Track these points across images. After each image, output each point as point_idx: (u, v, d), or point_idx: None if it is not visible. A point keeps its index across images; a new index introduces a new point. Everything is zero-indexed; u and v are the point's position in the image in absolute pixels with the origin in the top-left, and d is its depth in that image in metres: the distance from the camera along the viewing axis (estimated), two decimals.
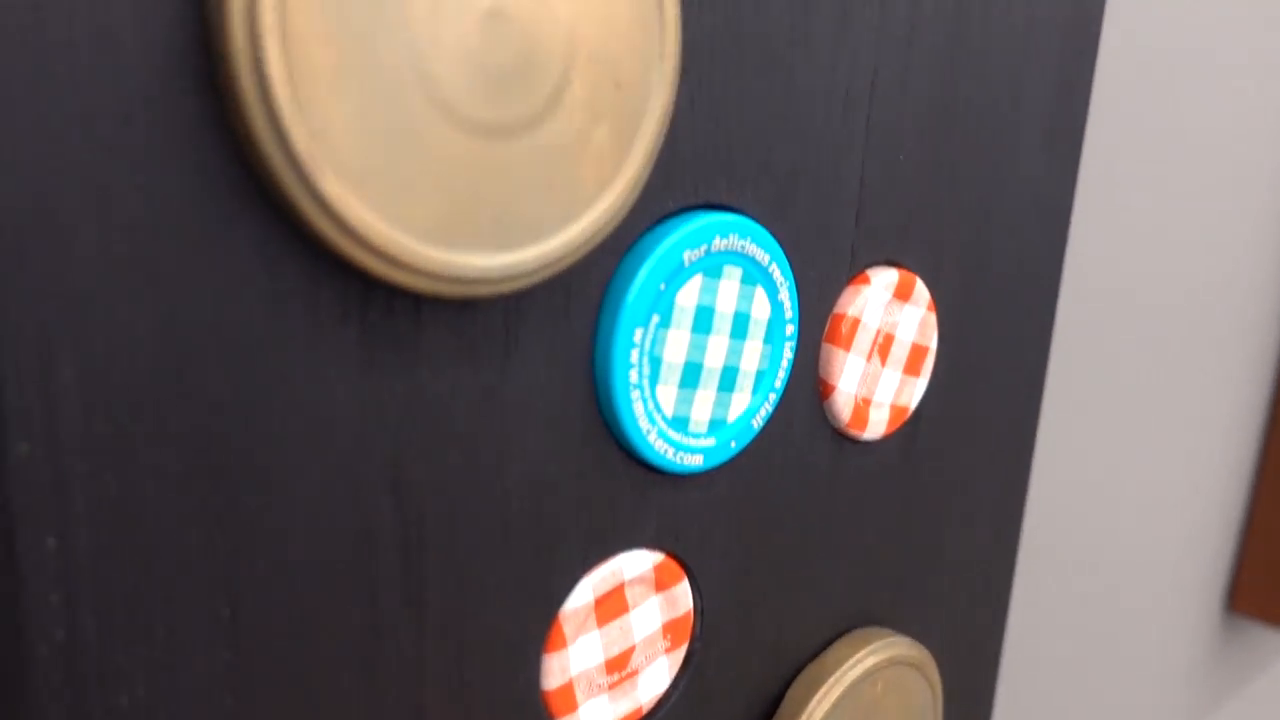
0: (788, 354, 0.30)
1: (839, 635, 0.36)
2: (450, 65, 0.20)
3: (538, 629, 0.27)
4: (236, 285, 0.20)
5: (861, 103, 0.30)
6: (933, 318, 0.35)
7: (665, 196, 0.27)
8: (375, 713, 0.24)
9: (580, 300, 0.26)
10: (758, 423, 0.30)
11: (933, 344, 0.35)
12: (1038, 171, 0.37)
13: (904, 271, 0.34)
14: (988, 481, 0.40)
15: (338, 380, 0.22)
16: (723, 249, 0.28)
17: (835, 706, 0.34)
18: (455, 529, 0.25)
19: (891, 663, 0.36)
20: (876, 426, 0.34)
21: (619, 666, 0.29)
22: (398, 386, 0.23)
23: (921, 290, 0.34)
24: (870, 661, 0.35)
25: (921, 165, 0.33)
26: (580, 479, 0.27)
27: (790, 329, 0.30)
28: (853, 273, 0.32)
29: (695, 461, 0.29)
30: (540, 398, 0.25)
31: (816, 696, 0.34)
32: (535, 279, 0.23)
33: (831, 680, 0.34)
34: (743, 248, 0.28)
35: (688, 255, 0.27)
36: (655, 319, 0.27)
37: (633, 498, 0.28)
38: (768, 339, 0.30)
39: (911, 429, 0.36)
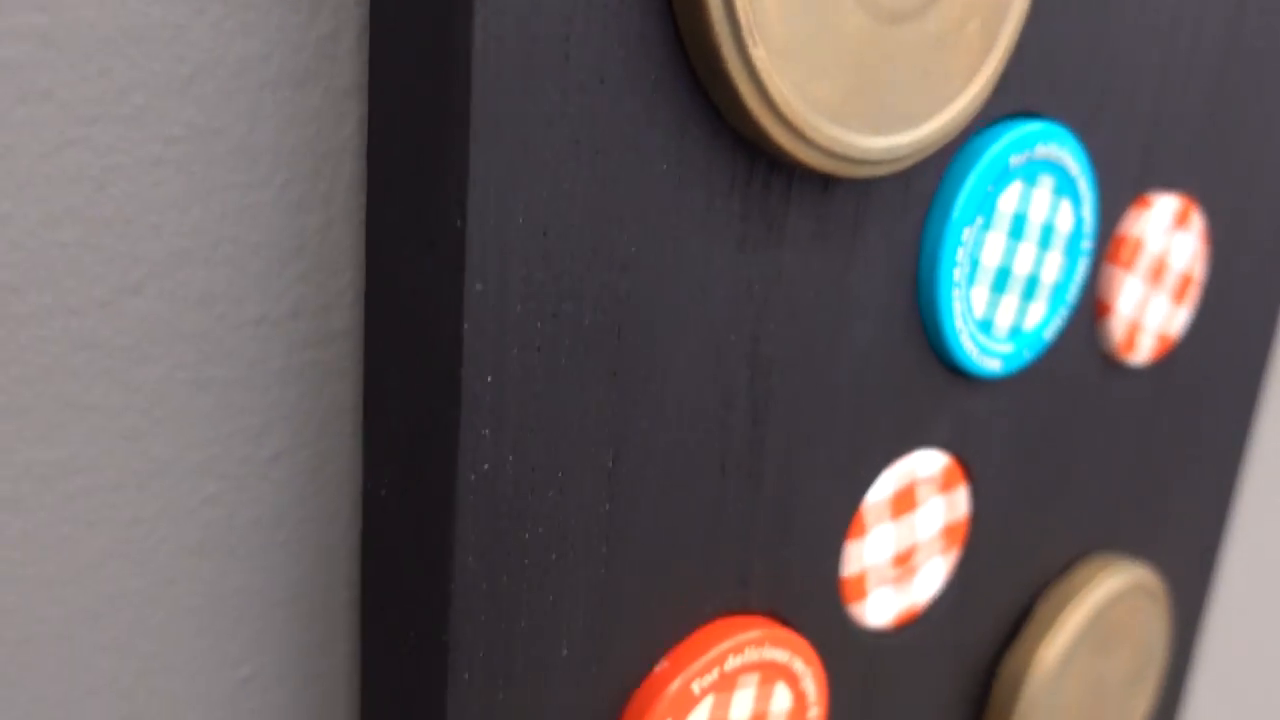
0: (1082, 269, 0.31)
1: (1083, 555, 0.36)
2: None
3: (845, 516, 0.28)
4: (655, 157, 0.21)
5: (1166, 39, 0.31)
6: (1203, 248, 0.35)
7: (995, 102, 0.27)
8: (711, 570, 0.26)
9: (916, 195, 0.26)
10: (1050, 334, 0.31)
11: (1199, 274, 0.35)
12: None
13: (1184, 198, 0.34)
14: (1225, 416, 0.40)
15: (718, 254, 0.23)
16: (1043, 157, 0.28)
17: (1082, 625, 0.35)
18: (795, 410, 0.26)
19: (1134, 590, 0.36)
20: (1142, 352, 0.34)
21: (903, 562, 0.30)
22: (764, 263, 0.24)
23: (1197, 219, 0.34)
24: (1116, 585, 0.36)
25: (1210, 99, 0.33)
26: (897, 373, 0.28)
27: (1087, 244, 0.31)
28: (1136, 194, 0.33)
29: (994, 366, 0.29)
30: (875, 286, 0.26)
31: (1065, 612, 0.35)
32: (903, 165, 0.24)
33: (1079, 599, 0.35)
34: (1060, 158, 0.29)
35: (1014, 160, 0.27)
36: (979, 220, 0.27)
37: (934, 398, 0.29)
38: (1067, 251, 0.30)
39: (1170, 358, 0.36)
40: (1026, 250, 0.29)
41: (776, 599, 0.27)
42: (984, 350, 0.29)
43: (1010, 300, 0.29)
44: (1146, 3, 0.29)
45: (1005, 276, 0.29)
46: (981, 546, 0.33)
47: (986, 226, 0.28)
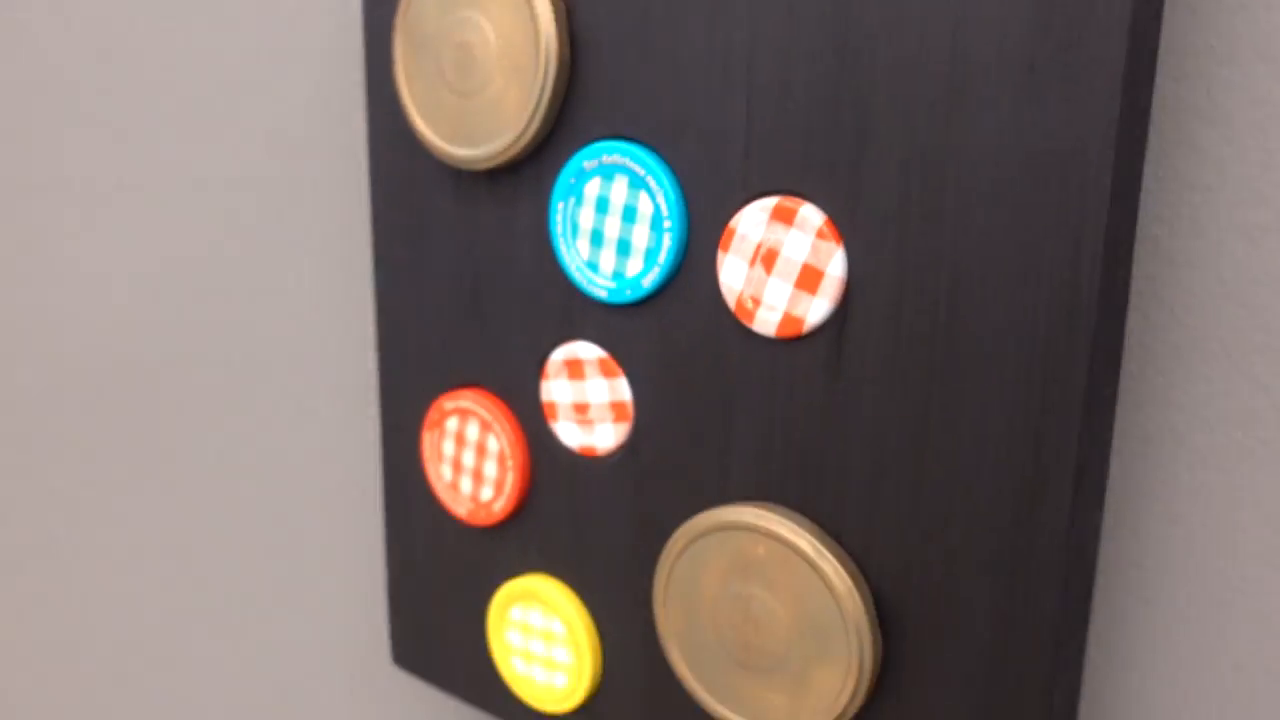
0: (668, 241, 0.44)
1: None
2: (448, 63, 0.49)
3: (537, 364, 0.51)
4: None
5: (739, 67, 0.42)
6: (827, 245, 0.40)
7: (590, 130, 0.46)
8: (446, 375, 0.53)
9: (544, 186, 0.48)
10: (648, 283, 0.45)
11: (832, 269, 0.40)
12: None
13: (788, 198, 0.41)
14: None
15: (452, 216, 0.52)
16: (611, 163, 0.45)
17: (712, 546, 0.45)
18: (506, 303, 0.51)
19: (779, 538, 0.43)
20: (764, 325, 0.42)
21: (581, 411, 0.49)
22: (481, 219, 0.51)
23: (811, 217, 0.41)
24: (758, 522, 0.44)
25: (815, 110, 0.40)
26: (547, 285, 0.49)
27: (668, 223, 0.44)
28: (746, 197, 0.42)
29: (600, 293, 0.47)
30: (530, 231, 0.50)
31: (700, 525, 0.45)
32: (492, 164, 0.49)
33: (719, 520, 0.45)
34: (626, 164, 0.45)
35: (586, 164, 0.46)
36: (572, 199, 0.47)
37: (576, 307, 0.48)
38: (653, 226, 0.45)
39: (811, 340, 0.41)
40: (613, 222, 0.46)
41: (500, 388, 0.52)
42: (590, 282, 0.47)
43: (608, 253, 0.46)
44: (714, 42, 0.42)
45: (599, 237, 0.46)
46: (645, 433, 0.47)
47: (580, 203, 0.47)
